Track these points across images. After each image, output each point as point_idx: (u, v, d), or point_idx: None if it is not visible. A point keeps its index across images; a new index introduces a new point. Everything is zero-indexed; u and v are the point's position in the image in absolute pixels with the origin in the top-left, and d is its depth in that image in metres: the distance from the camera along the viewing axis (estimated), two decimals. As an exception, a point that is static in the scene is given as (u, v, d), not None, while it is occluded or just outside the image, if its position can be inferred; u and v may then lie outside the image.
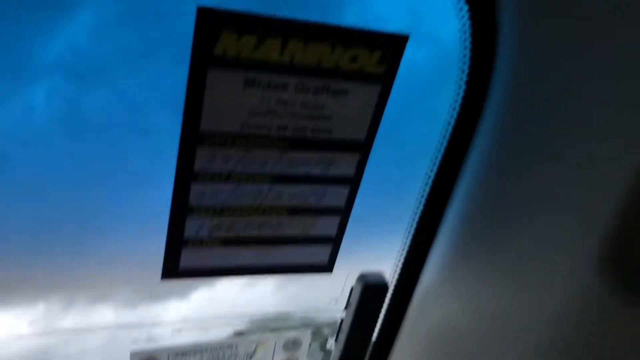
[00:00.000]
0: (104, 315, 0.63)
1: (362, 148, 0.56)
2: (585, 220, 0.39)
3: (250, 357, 0.72)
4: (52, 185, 0.54)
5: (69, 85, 0.49)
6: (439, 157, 0.59)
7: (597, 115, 0.38)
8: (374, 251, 0.70)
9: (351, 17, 0.52)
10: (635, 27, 0.34)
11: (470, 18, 0.50)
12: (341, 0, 0.50)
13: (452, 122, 0.56)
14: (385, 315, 0.70)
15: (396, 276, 0.68)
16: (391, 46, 0.50)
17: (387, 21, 0.53)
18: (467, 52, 0.52)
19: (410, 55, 0.53)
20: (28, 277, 0.58)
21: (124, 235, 0.56)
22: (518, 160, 0.47)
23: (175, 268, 0.58)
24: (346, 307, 0.69)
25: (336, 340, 0.70)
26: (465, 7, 0.50)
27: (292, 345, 0.73)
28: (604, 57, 0.37)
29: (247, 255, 0.60)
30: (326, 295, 0.69)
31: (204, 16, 0.44)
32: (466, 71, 0.53)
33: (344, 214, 0.61)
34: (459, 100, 0.55)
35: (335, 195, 0.59)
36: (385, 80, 0.52)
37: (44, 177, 0.53)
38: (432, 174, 0.60)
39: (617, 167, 0.36)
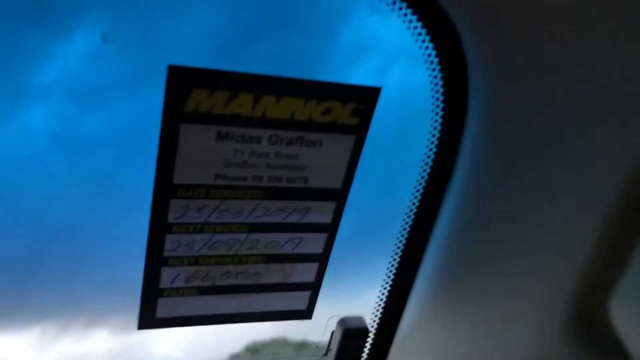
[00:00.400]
0: (100, 340, 0.63)
1: (338, 196, 0.56)
2: (552, 281, 0.39)
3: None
4: (47, 208, 0.54)
5: (66, 107, 0.49)
6: (416, 204, 0.59)
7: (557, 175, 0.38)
8: (354, 296, 0.69)
9: (325, 71, 0.53)
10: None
11: (439, 63, 0.51)
12: (315, 54, 0.50)
13: (427, 170, 0.57)
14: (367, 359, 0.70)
15: (377, 320, 0.68)
16: (364, 98, 0.50)
17: (360, 74, 0.54)
18: (439, 101, 0.53)
19: (384, 103, 0.53)
20: (22, 301, 0.58)
21: (120, 259, 0.56)
22: (486, 218, 0.47)
23: (152, 318, 0.58)
24: (327, 352, 0.68)
25: (317, 385, 0.70)
26: (434, 53, 0.50)
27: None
28: (568, 104, 0.38)
29: (224, 304, 0.60)
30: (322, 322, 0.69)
31: (175, 74, 0.44)
32: (439, 121, 0.54)
33: (322, 260, 0.61)
34: (433, 149, 0.55)
35: (313, 242, 0.59)
36: (359, 130, 0.52)
37: (40, 200, 0.53)
38: (410, 221, 0.60)
39: (578, 229, 0.36)
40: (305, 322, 0.66)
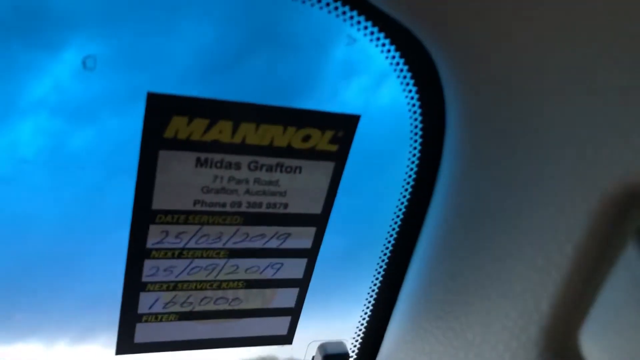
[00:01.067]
0: (85, 357, 0.62)
1: (318, 221, 0.57)
2: (528, 310, 0.39)
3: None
4: (33, 225, 0.53)
5: (54, 123, 0.49)
6: (396, 229, 0.59)
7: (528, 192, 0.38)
8: (334, 320, 0.69)
9: (306, 96, 0.53)
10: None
11: (417, 91, 0.52)
12: (297, 81, 0.51)
13: (407, 196, 0.57)
14: (348, 385, 0.69)
15: (357, 345, 0.68)
16: (343, 126, 0.51)
17: (340, 99, 0.54)
18: (417, 128, 0.54)
19: (364, 128, 0.53)
20: (7, 318, 0.57)
21: (106, 277, 0.55)
22: (464, 246, 0.48)
23: (130, 343, 0.57)
24: (307, 378, 0.68)
25: (297, 411, 0.69)
26: (412, 82, 0.51)
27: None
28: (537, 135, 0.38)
29: (204, 329, 0.60)
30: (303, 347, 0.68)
31: (154, 101, 0.44)
32: (418, 147, 0.54)
33: (302, 285, 0.61)
34: (412, 175, 0.56)
35: (293, 268, 0.59)
36: (338, 157, 0.53)
37: (25, 217, 0.53)
38: (390, 246, 0.60)
39: (552, 259, 0.37)
40: (286, 347, 0.66)
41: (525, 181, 0.40)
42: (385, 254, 0.61)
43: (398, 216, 0.58)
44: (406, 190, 0.58)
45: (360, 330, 0.66)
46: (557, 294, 0.36)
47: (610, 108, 0.33)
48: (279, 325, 0.63)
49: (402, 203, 0.58)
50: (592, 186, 0.34)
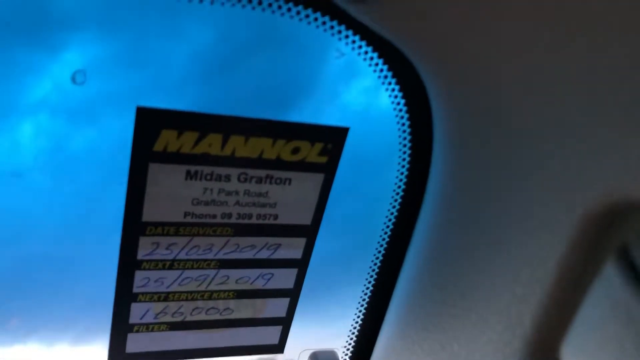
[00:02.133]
0: (85, 358, 0.62)
1: (308, 232, 0.57)
2: (511, 323, 0.40)
3: None
4: (32, 226, 0.54)
5: (54, 125, 0.49)
6: (386, 239, 0.60)
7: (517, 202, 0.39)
8: (325, 329, 0.70)
9: (296, 109, 0.54)
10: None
11: (405, 103, 0.52)
12: (286, 95, 0.51)
13: (396, 207, 0.58)
14: (339, 393, 0.69)
15: (349, 354, 0.68)
16: (332, 138, 0.51)
17: (330, 112, 0.55)
18: (406, 140, 0.54)
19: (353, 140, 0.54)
20: (6, 319, 0.58)
21: (105, 277, 0.56)
22: (451, 259, 0.48)
23: (122, 353, 0.58)
24: (299, 387, 0.68)
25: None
26: (400, 94, 0.52)
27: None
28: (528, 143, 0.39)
29: (195, 339, 0.60)
30: (294, 356, 0.69)
31: (144, 116, 0.45)
32: (406, 159, 0.55)
33: (293, 295, 0.61)
34: (402, 187, 0.56)
35: (284, 278, 0.60)
36: (327, 169, 0.53)
37: (24, 218, 0.53)
38: (380, 256, 0.61)
39: (535, 274, 0.37)
40: (277, 356, 0.66)
41: (511, 196, 0.40)
42: (375, 264, 0.61)
43: (388, 226, 0.59)
44: (395, 200, 0.58)
45: (351, 339, 0.67)
46: (540, 308, 0.37)
47: (593, 127, 0.34)
48: (270, 334, 0.63)
49: (392, 213, 0.59)
50: (575, 204, 0.34)
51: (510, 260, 0.40)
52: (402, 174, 0.56)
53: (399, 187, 0.57)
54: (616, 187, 0.31)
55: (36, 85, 0.48)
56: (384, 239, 0.60)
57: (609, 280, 0.32)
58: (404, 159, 0.55)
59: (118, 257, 0.52)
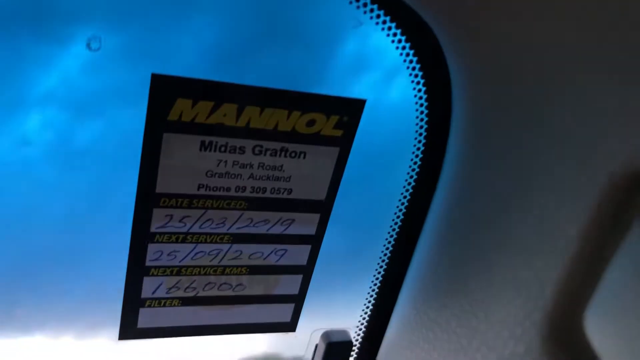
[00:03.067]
0: (92, 350, 0.62)
1: (322, 208, 0.56)
2: (531, 295, 0.39)
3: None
4: (40, 217, 0.53)
5: (62, 116, 0.49)
6: (400, 217, 0.59)
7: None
8: (338, 309, 0.69)
9: (313, 82, 0.53)
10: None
11: (423, 77, 0.51)
12: (304, 67, 0.50)
13: (412, 184, 0.57)
14: (351, 373, 0.69)
15: (361, 333, 0.67)
16: (348, 111, 0.51)
17: (347, 86, 0.54)
18: (423, 114, 0.53)
19: (369, 116, 0.53)
20: (12, 311, 0.58)
21: (111, 270, 0.55)
22: (467, 234, 0.47)
23: (133, 328, 0.57)
24: (311, 364, 0.68)
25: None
26: (418, 67, 0.51)
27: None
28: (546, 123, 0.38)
29: (207, 315, 0.60)
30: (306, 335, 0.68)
31: (158, 83, 0.44)
32: (423, 134, 0.54)
33: (306, 272, 0.61)
34: (418, 162, 0.55)
35: (297, 254, 0.59)
36: (343, 142, 0.52)
37: (33, 210, 0.53)
38: (394, 234, 0.60)
39: (556, 244, 0.36)
40: (289, 334, 0.66)
41: (530, 168, 0.40)
42: (389, 242, 0.61)
43: (403, 204, 0.58)
44: (411, 177, 0.57)
45: (364, 318, 0.66)
46: (560, 280, 0.36)
47: (614, 95, 0.33)
48: (283, 312, 0.62)
49: (407, 190, 0.58)
50: (597, 172, 0.33)
51: (530, 233, 0.39)
52: (419, 149, 0.56)
53: (415, 162, 0.56)
54: (638, 154, 0.30)
55: (44, 78, 0.47)
56: (398, 217, 0.60)
57: (632, 248, 0.31)
58: (421, 134, 0.55)
59: (131, 230, 0.52)
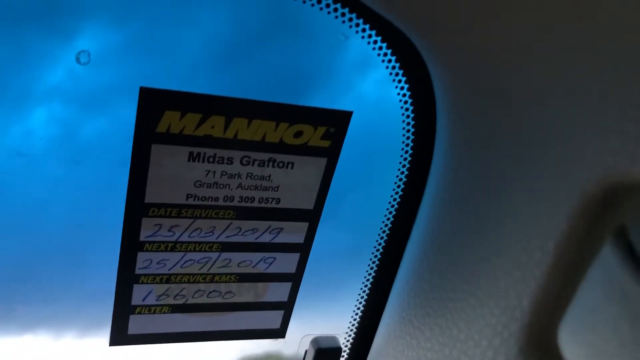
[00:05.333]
0: (93, 349, 0.63)
1: (310, 216, 0.57)
2: (506, 309, 0.40)
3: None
4: (44, 214, 0.54)
5: (67, 113, 0.49)
6: (388, 225, 0.60)
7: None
8: (328, 315, 0.70)
9: (302, 92, 0.54)
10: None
11: (409, 88, 0.52)
12: (295, 77, 0.51)
13: (399, 193, 0.58)
14: (340, 379, 0.70)
15: (350, 340, 0.68)
16: (335, 122, 0.51)
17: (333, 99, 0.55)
18: (410, 125, 0.54)
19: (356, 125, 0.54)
20: (13, 309, 0.58)
21: (113, 268, 0.56)
22: (451, 244, 0.48)
23: (124, 335, 0.58)
24: (300, 371, 0.69)
25: (290, 404, 0.70)
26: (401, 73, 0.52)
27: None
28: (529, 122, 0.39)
29: (197, 322, 0.60)
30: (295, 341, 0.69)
31: (147, 96, 0.45)
32: (410, 145, 0.55)
33: (295, 279, 0.62)
34: (405, 172, 0.56)
35: (286, 262, 0.60)
36: (330, 153, 0.53)
37: (37, 205, 0.53)
38: (382, 242, 0.61)
39: (533, 258, 0.37)
40: (279, 341, 0.67)
41: (510, 181, 0.40)
42: (378, 250, 0.61)
43: (390, 212, 0.59)
44: (398, 187, 0.58)
45: (353, 325, 0.67)
46: (537, 291, 0.37)
47: (590, 110, 0.33)
48: (272, 319, 0.63)
49: (395, 199, 0.59)
50: (573, 186, 0.34)
51: (509, 245, 0.40)
52: (405, 159, 0.56)
53: (403, 172, 0.57)
54: (614, 169, 0.31)
55: (47, 73, 0.48)
56: (386, 225, 0.60)
57: (607, 261, 0.32)
58: (406, 148, 0.55)
59: (120, 239, 0.52)
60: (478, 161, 0.45)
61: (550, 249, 0.36)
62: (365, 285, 0.64)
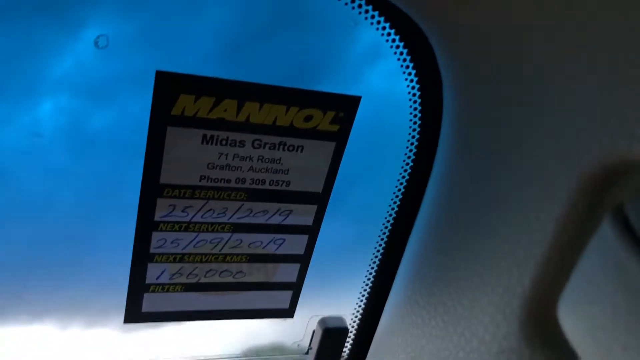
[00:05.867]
0: (100, 339, 0.64)
1: (319, 199, 0.59)
2: (511, 284, 0.41)
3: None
4: (51, 204, 0.55)
5: (75, 103, 0.50)
6: (395, 208, 0.61)
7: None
8: (334, 296, 0.71)
9: (312, 77, 0.55)
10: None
11: (416, 73, 0.53)
12: (304, 62, 0.52)
13: (405, 177, 0.59)
14: (347, 357, 0.72)
15: (357, 320, 0.70)
16: (344, 107, 0.53)
17: (343, 81, 0.56)
18: (416, 110, 0.55)
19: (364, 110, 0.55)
20: (22, 298, 0.59)
21: (122, 258, 0.57)
22: (456, 225, 0.50)
23: (138, 312, 0.60)
24: (308, 351, 0.71)
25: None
26: (412, 65, 0.53)
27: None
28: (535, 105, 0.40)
29: (208, 301, 0.62)
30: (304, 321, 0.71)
31: (163, 80, 0.47)
32: (416, 129, 0.56)
33: (303, 260, 0.63)
34: (411, 156, 0.58)
35: (295, 243, 0.62)
36: (339, 137, 0.55)
37: (44, 196, 0.54)
38: (389, 225, 0.62)
39: (534, 235, 0.39)
40: (287, 320, 0.69)
41: (511, 162, 0.42)
42: (384, 233, 0.63)
43: (397, 196, 0.60)
44: (405, 171, 0.60)
45: (359, 305, 0.69)
46: (538, 269, 0.38)
47: (590, 88, 0.35)
48: (281, 299, 0.65)
49: (401, 183, 0.60)
50: (572, 166, 0.35)
51: (512, 226, 0.42)
52: (411, 144, 0.58)
53: (409, 157, 0.58)
54: (613, 149, 0.32)
55: (56, 63, 0.48)
56: (392, 209, 0.62)
57: (605, 238, 0.34)
58: (413, 133, 0.57)
59: (136, 218, 0.54)
60: (481, 144, 0.46)
61: (550, 228, 0.38)
62: (372, 267, 0.66)
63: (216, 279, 0.61)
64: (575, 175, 0.35)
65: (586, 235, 0.36)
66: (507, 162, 0.42)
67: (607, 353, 0.32)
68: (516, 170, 0.41)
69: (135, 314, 0.60)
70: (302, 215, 0.60)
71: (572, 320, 0.36)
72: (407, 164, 0.59)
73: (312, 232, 0.61)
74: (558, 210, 0.37)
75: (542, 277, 0.38)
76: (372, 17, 0.50)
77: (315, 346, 0.70)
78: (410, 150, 0.58)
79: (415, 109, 0.55)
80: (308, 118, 0.53)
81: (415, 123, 0.56)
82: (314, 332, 0.70)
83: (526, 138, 0.40)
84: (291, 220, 0.60)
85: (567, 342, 0.36)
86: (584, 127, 0.34)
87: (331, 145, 0.55)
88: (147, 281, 0.58)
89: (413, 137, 0.57)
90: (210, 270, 0.60)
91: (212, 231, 0.57)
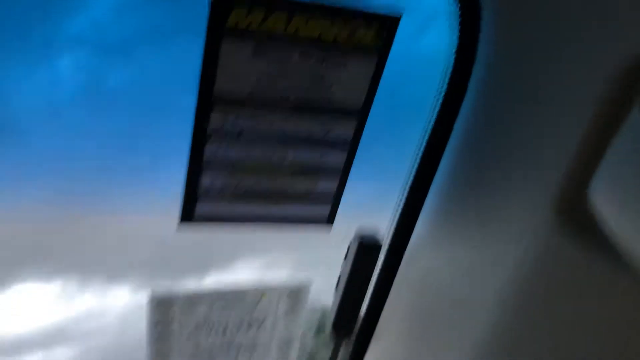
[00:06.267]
0: (120, 295, 0.67)
1: (359, 115, 0.63)
2: (541, 181, 0.45)
3: (257, 305, 0.80)
4: (71, 159, 0.56)
5: (93, 59, 0.51)
6: (431, 123, 0.65)
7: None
8: (370, 210, 0.76)
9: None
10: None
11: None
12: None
13: (443, 91, 0.62)
14: (380, 270, 0.77)
15: (390, 234, 0.75)
16: (385, 24, 0.56)
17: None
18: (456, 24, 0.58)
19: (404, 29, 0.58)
20: (45, 254, 0.61)
21: (139, 213, 0.60)
22: (491, 133, 0.53)
23: (191, 215, 0.66)
24: (345, 260, 0.76)
25: (336, 289, 0.78)
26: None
27: (296, 295, 0.81)
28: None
29: (254, 209, 0.68)
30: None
31: (218, -7, 0.50)
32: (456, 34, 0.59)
33: (343, 174, 0.68)
34: (449, 71, 0.60)
35: (335, 157, 0.66)
36: (380, 53, 0.58)
37: (64, 151, 0.55)
38: (424, 141, 0.66)
39: (564, 131, 0.42)
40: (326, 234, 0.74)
41: (548, 63, 0.45)
42: (420, 147, 0.67)
43: (435, 107, 0.64)
44: (440, 93, 0.62)
45: (393, 219, 0.73)
46: (568, 161, 0.42)
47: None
48: (322, 209, 0.70)
49: (440, 93, 0.63)
50: (609, 61, 0.38)
51: (543, 124, 0.45)
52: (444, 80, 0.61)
53: (441, 92, 0.61)
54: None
55: (73, 22, 0.48)
56: (429, 123, 0.65)
57: (631, 129, 0.37)
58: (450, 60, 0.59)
59: (191, 130, 0.59)
60: (518, 46, 0.49)
61: (585, 113, 0.41)
62: (406, 180, 0.70)
63: (262, 188, 0.66)
64: (609, 66, 0.38)
65: (615, 126, 0.39)
66: (544, 59, 0.45)
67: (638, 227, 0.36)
68: (551, 68, 0.44)
69: (189, 215, 0.65)
70: (343, 129, 0.64)
71: (604, 200, 0.39)
72: (440, 93, 0.62)
73: (351, 147, 0.65)
74: (592, 98, 0.40)
75: (573, 167, 0.42)
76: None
77: (350, 258, 0.75)
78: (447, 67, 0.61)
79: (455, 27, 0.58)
80: (351, 34, 0.56)
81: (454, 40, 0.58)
82: (350, 244, 0.75)
83: (559, 38, 0.43)
84: (332, 135, 0.64)
85: (598, 228, 0.40)
86: (619, 25, 0.37)
87: (372, 62, 0.59)
88: (200, 188, 0.63)
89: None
90: (257, 180, 0.65)
91: (260, 143, 0.61)
